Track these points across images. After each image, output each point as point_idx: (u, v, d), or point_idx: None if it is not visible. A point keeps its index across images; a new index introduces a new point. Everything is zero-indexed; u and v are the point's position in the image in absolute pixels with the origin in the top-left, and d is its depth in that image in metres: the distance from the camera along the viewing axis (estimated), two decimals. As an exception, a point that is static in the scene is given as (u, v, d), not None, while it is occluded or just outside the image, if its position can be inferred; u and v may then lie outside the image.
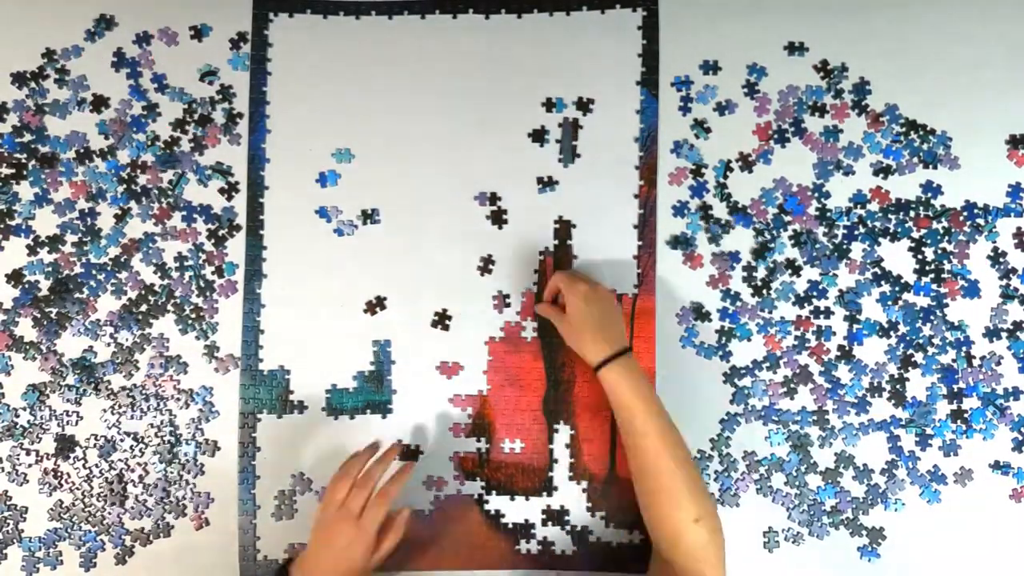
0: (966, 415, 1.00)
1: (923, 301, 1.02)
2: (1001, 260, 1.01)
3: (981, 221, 1.02)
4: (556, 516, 1.02)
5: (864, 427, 1.01)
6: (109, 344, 1.03)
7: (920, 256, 1.02)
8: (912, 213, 1.02)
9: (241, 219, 1.05)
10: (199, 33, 1.07)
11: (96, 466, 1.02)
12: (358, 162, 1.06)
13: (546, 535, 1.01)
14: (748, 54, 1.05)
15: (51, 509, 1.01)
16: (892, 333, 1.01)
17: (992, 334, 1.01)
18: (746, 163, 1.04)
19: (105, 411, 1.02)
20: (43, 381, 1.02)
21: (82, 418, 1.02)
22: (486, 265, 1.04)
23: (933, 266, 1.02)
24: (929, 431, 1.00)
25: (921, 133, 1.03)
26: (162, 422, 1.02)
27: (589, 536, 1.01)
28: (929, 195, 1.03)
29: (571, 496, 1.02)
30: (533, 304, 1.04)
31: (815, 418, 1.01)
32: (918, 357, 1.01)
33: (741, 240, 1.03)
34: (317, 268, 1.04)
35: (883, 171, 1.03)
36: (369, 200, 1.05)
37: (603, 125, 1.05)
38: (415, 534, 1.02)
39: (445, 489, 1.02)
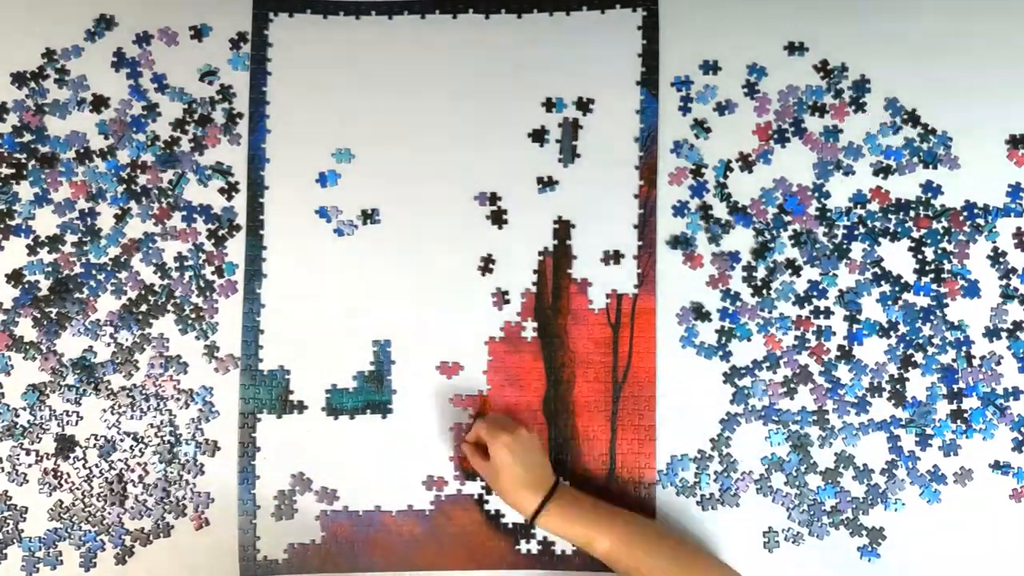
0: (966, 415, 1.00)
1: (923, 301, 1.02)
2: (1001, 260, 1.01)
3: (981, 221, 1.02)
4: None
5: (864, 427, 1.01)
6: (109, 344, 1.03)
7: (920, 256, 1.02)
8: (912, 213, 1.02)
9: (241, 219, 1.05)
10: (199, 33, 1.07)
11: (96, 466, 1.02)
12: (358, 162, 1.06)
13: (546, 535, 1.01)
14: (748, 54, 1.05)
15: (51, 509, 1.01)
16: (892, 333, 1.01)
17: (992, 334, 1.01)
18: (746, 163, 1.04)
19: (105, 411, 1.02)
20: (43, 381, 1.02)
21: (82, 418, 1.02)
22: (486, 265, 1.04)
23: (933, 266, 1.02)
24: (929, 431, 1.00)
25: (921, 133, 1.03)
26: (162, 422, 1.02)
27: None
28: (929, 195, 1.03)
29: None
30: (533, 304, 1.04)
31: (815, 418, 1.01)
32: (918, 357, 1.01)
33: (741, 240, 1.03)
34: (317, 268, 1.04)
35: (883, 171, 1.03)
36: (369, 200, 1.05)
37: (603, 125, 1.05)
38: (415, 534, 1.02)
39: (445, 489, 1.02)
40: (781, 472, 1.01)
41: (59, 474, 1.01)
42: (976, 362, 1.01)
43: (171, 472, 1.02)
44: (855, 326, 1.02)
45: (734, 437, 1.01)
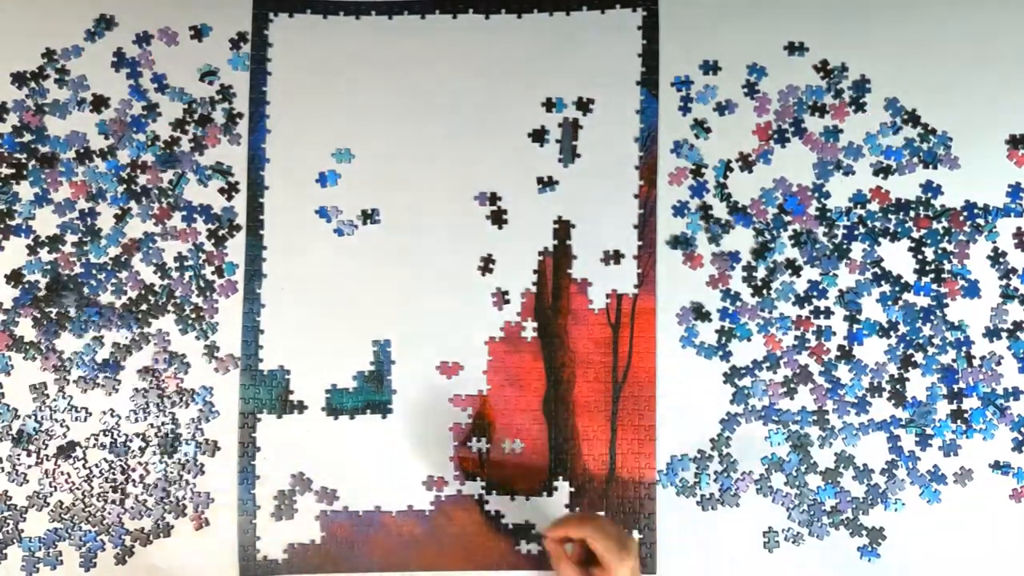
0: (966, 415, 1.00)
1: (923, 301, 1.02)
2: (1001, 260, 1.01)
3: (981, 221, 1.02)
4: (556, 516, 1.02)
5: (864, 427, 1.01)
6: (109, 344, 1.03)
7: (920, 256, 1.02)
8: (912, 213, 1.02)
9: (241, 219, 1.05)
10: (199, 33, 1.07)
11: (96, 466, 1.02)
12: (358, 162, 1.06)
13: (546, 535, 1.02)
14: (748, 54, 1.05)
15: (51, 509, 1.01)
16: (892, 333, 1.01)
17: (992, 334, 1.01)
18: (746, 163, 1.04)
19: (105, 411, 1.02)
20: (43, 381, 1.02)
21: (83, 419, 1.02)
22: (486, 265, 1.04)
23: (933, 266, 1.02)
24: (929, 431, 1.00)
25: (921, 133, 1.03)
26: (162, 422, 1.02)
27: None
28: (929, 195, 1.03)
29: (570, 496, 1.02)
30: (533, 304, 1.04)
31: (815, 418, 1.01)
32: (918, 357, 1.01)
33: (741, 240, 1.03)
34: (317, 268, 1.04)
35: (883, 171, 1.03)
36: (369, 200, 1.05)
37: (603, 125, 1.05)
38: (415, 534, 1.02)
39: (445, 489, 1.02)
40: (781, 472, 1.01)
41: (59, 474, 1.01)
42: (976, 362, 1.01)
43: (171, 472, 1.02)
44: (855, 326, 1.02)
45: (734, 437, 1.01)
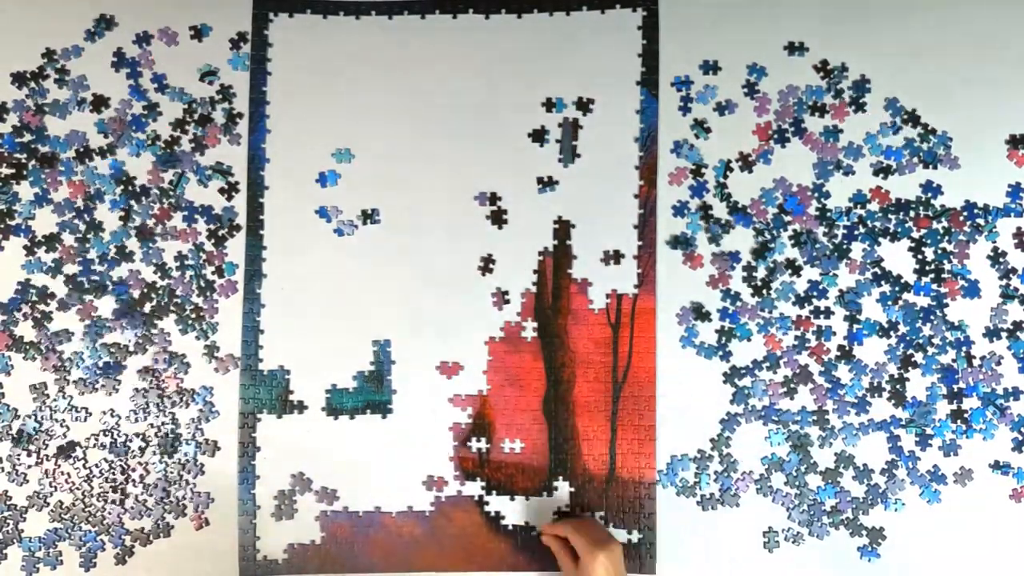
0: (966, 415, 1.00)
1: (923, 301, 1.02)
2: (1001, 260, 1.01)
3: (981, 221, 1.02)
4: (556, 516, 1.02)
5: (864, 427, 1.01)
6: (109, 344, 1.03)
7: (920, 256, 1.02)
8: (912, 213, 1.02)
9: (241, 219, 1.05)
10: (199, 33, 1.07)
11: (96, 466, 1.02)
12: (358, 162, 1.06)
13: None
14: (748, 54, 1.05)
15: (51, 509, 1.01)
16: (892, 333, 1.01)
17: (992, 334, 1.01)
18: (746, 163, 1.04)
19: (105, 411, 1.02)
20: (43, 381, 1.02)
21: (83, 419, 1.02)
22: (486, 265, 1.04)
23: (933, 266, 1.02)
24: (929, 431, 1.00)
25: (921, 133, 1.03)
26: (162, 422, 1.02)
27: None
28: (929, 195, 1.03)
29: (571, 496, 1.02)
30: (533, 304, 1.04)
31: (815, 418, 1.01)
32: (918, 357, 1.01)
33: (741, 240, 1.03)
34: (317, 268, 1.04)
35: (883, 171, 1.03)
36: (369, 200, 1.05)
37: (603, 125, 1.05)
38: (415, 535, 1.02)
39: (445, 489, 1.02)
40: (781, 472, 1.01)
41: (59, 474, 1.01)
42: (976, 362, 1.01)
43: (171, 472, 1.02)
44: (855, 326, 1.02)
45: (734, 437, 1.01)
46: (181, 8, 1.07)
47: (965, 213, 1.02)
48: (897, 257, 1.02)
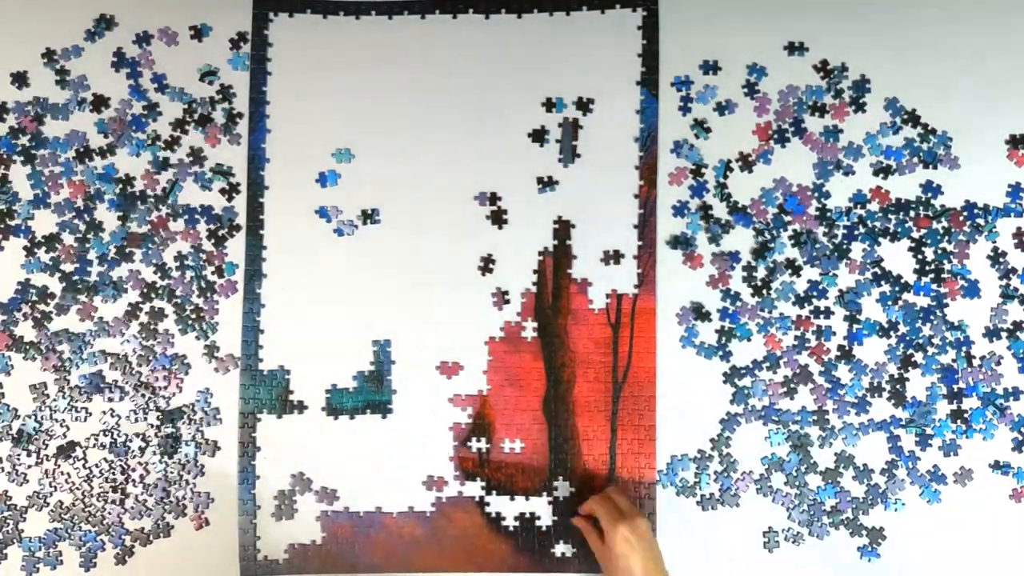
0: (966, 415, 1.00)
1: (923, 301, 1.02)
2: (1001, 260, 1.01)
3: (981, 221, 1.02)
4: (556, 516, 1.02)
5: (864, 427, 1.01)
6: (109, 344, 1.03)
7: (920, 256, 1.02)
8: (912, 213, 1.02)
9: (241, 219, 1.05)
10: (199, 33, 1.07)
11: (96, 466, 1.02)
12: (358, 162, 1.06)
13: (546, 536, 1.01)
14: (748, 54, 1.05)
15: (51, 509, 1.01)
16: (892, 333, 1.01)
17: (992, 334, 1.01)
18: (746, 163, 1.04)
19: (105, 411, 1.02)
20: (43, 381, 1.02)
21: (83, 419, 1.02)
22: (486, 265, 1.04)
23: (933, 266, 1.02)
24: (929, 431, 1.00)
25: (921, 133, 1.03)
26: (162, 422, 1.02)
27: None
28: (929, 195, 1.03)
29: (571, 496, 1.02)
30: (533, 304, 1.04)
31: (815, 418, 1.01)
32: (918, 357, 1.01)
33: (741, 240, 1.03)
34: (317, 268, 1.04)
35: (883, 171, 1.03)
36: (369, 200, 1.05)
37: (603, 125, 1.05)
38: (416, 535, 1.02)
39: (445, 490, 1.02)
40: (781, 472, 1.01)
41: (59, 474, 1.01)
42: (976, 362, 1.01)
43: (171, 472, 1.02)
44: (855, 326, 1.02)
45: (734, 437, 1.01)
46: (181, 8, 1.07)
47: (965, 213, 1.02)
48: (897, 257, 1.02)
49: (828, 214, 1.03)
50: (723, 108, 1.05)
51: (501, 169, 1.05)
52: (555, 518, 1.02)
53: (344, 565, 1.02)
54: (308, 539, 1.02)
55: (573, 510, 1.00)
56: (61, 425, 1.02)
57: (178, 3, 1.07)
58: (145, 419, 1.02)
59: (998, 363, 1.01)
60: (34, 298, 1.03)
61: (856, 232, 1.03)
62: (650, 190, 1.04)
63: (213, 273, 1.04)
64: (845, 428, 1.01)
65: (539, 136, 1.05)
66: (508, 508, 1.02)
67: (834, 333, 1.02)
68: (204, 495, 1.02)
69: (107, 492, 1.01)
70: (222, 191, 1.05)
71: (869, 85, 1.04)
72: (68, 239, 1.03)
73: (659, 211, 1.04)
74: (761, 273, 1.03)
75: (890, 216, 1.03)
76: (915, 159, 1.03)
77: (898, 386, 1.01)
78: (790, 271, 1.03)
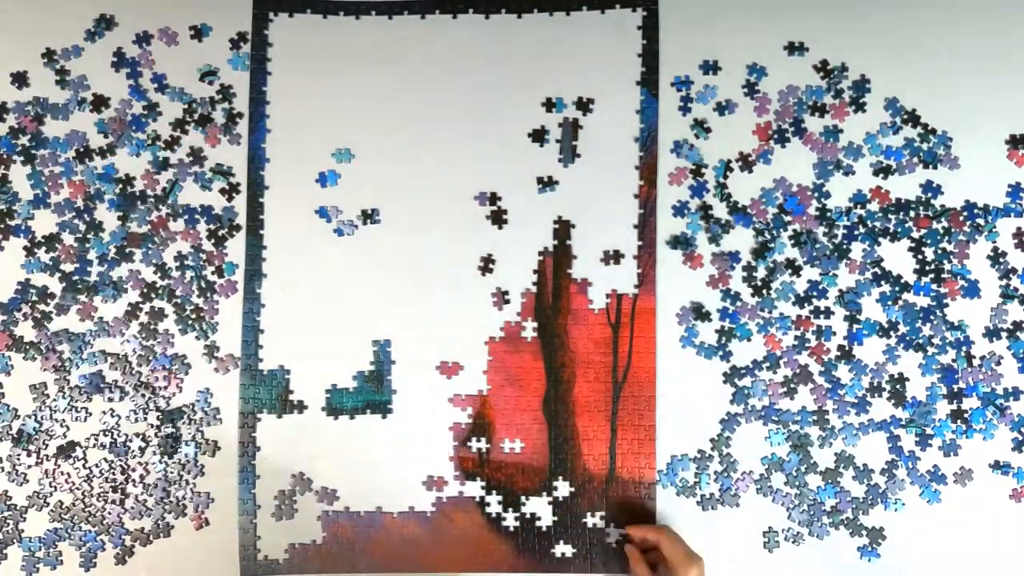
0: (966, 415, 1.00)
1: (923, 301, 1.02)
2: (1001, 260, 1.01)
3: (981, 221, 1.02)
4: (556, 516, 1.02)
5: (864, 427, 1.01)
6: (109, 344, 1.03)
7: (920, 256, 1.02)
8: (912, 213, 1.02)
9: (241, 219, 1.05)
10: (199, 33, 1.07)
11: (96, 466, 1.02)
12: (358, 162, 1.06)
13: (546, 536, 1.01)
14: (748, 54, 1.05)
15: (51, 509, 1.01)
16: (892, 333, 1.01)
17: (992, 334, 1.01)
18: (746, 163, 1.04)
19: (105, 411, 1.02)
20: (43, 381, 1.02)
21: (83, 419, 1.02)
22: (486, 265, 1.04)
23: (933, 266, 1.02)
24: (929, 431, 1.00)
25: (921, 133, 1.03)
26: (162, 422, 1.02)
27: (589, 536, 1.01)
28: (929, 195, 1.03)
29: (571, 496, 1.02)
30: (533, 304, 1.04)
31: (815, 418, 1.01)
32: (918, 357, 1.01)
33: (741, 240, 1.03)
34: (317, 268, 1.04)
35: (883, 171, 1.03)
36: (369, 200, 1.05)
37: (603, 125, 1.05)
38: (416, 535, 1.02)
39: (446, 489, 1.02)
40: (781, 472, 1.01)
41: (59, 474, 1.01)
42: (976, 362, 1.01)
43: (171, 472, 1.02)
44: (855, 326, 1.02)
45: (734, 437, 1.01)
46: (181, 8, 1.07)
47: (965, 213, 1.02)
48: (897, 257, 1.02)
49: (828, 214, 1.03)
50: (723, 108, 1.05)
51: (501, 169, 1.05)
52: (555, 518, 1.02)
53: (344, 565, 1.02)
54: (308, 539, 1.02)
55: (623, 535, 1.00)
56: (61, 425, 1.02)
57: (178, 3, 1.07)
58: (145, 419, 1.02)
59: (998, 363, 1.01)
60: (34, 298, 1.03)
61: (856, 232, 1.03)
62: (650, 190, 1.04)
63: (213, 273, 1.04)
64: (845, 428, 1.01)
65: (539, 136, 1.05)
66: (508, 508, 1.02)
67: (834, 333, 1.02)
68: (204, 495, 1.02)
69: (107, 492, 1.01)
70: (222, 191, 1.05)
71: (869, 85, 1.04)
72: (68, 239, 1.03)
73: (659, 211, 1.04)
74: (761, 273, 1.03)
75: (890, 216, 1.03)
76: (915, 159, 1.03)
77: (898, 386, 1.01)
78: (790, 271, 1.03)
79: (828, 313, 1.02)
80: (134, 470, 1.02)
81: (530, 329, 1.04)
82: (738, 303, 1.03)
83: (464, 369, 1.03)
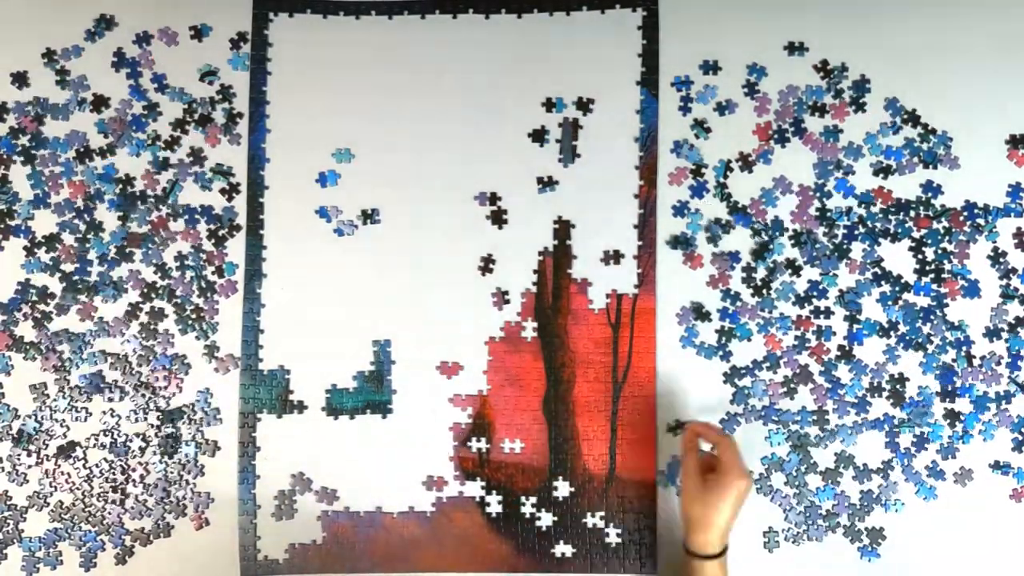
0: (965, 415, 1.00)
1: (923, 301, 1.02)
2: (1001, 260, 1.01)
3: (981, 221, 1.02)
4: (556, 516, 1.02)
5: (864, 426, 1.01)
6: (109, 344, 1.03)
7: (920, 256, 1.02)
8: (912, 213, 1.02)
9: (241, 219, 1.05)
10: (199, 33, 1.07)
11: (96, 466, 1.02)
12: (358, 162, 1.06)
13: (546, 536, 1.01)
14: (748, 54, 1.05)
15: (51, 509, 1.01)
16: (892, 333, 1.01)
17: (992, 334, 1.01)
18: (746, 163, 1.04)
19: (105, 411, 1.02)
20: (43, 381, 1.02)
21: (83, 419, 1.02)
22: (486, 265, 1.04)
23: (933, 266, 1.02)
24: (928, 431, 1.00)
25: (921, 133, 1.03)
26: (162, 422, 1.02)
27: (589, 536, 1.01)
28: (929, 195, 1.03)
29: (571, 496, 1.02)
30: (533, 304, 1.04)
31: (815, 418, 1.01)
32: (918, 357, 1.01)
33: (741, 240, 1.03)
34: (317, 268, 1.04)
35: (883, 171, 1.03)
36: (369, 200, 1.05)
37: (603, 125, 1.05)
38: (416, 535, 1.02)
39: (446, 489, 1.02)
40: (781, 472, 1.01)
41: (59, 474, 1.01)
42: (976, 362, 1.01)
43: (171, 472, 1.02)
44: (855, 326, 1.02)
45: (734, 437, 1.01)
46: (181, 8, 1.07)
47: (965, 213, 1.02)
48: (897, 257, 1.02)
49: (828, 214, 1.03)
50: (723, 108, 1.05)
51: (501, 169, 1.05)
52: (555, 518, 1.02)
53: (344, 565, 1.02)
54: (308, 539, 1.02)
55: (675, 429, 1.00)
56: (61, 425, 1.02)
57: (178, 3, 1.07)
58: (145, 419, 1.02)
59: (998, 363, 1.01)
60: (34, 298, 1.03)
61: (856, 232, 1.03)
62: (650, 190, 1.04)
63: (213, 273, 1.04)
64: (845, 428, 1.01)
65: (539, 136, 1.05)
66: (508, 508, 1.02)
67: (834, 333, 1.02)
68: (204, 495, 1.02)
69: (107, 492, 1.01)
70: (222, 191, 1.05)
71: (869, 85, 1.04)
72: (68, 239, 1.03)
73: (659, 211, 1.04)
74: (761, 273, 1.03)
75: (890, 216, 1.03)
76: (915, 159, 1.03)
77: (898, 386, 1.01)
78: (790, 271, 1.03)
79: (828, 313, 1.02)
80: (134, 470, 1.02)
81: (530, 329, 1.04)
82: (738, 303, 1.03)
83: (464, 369, 1.03)
